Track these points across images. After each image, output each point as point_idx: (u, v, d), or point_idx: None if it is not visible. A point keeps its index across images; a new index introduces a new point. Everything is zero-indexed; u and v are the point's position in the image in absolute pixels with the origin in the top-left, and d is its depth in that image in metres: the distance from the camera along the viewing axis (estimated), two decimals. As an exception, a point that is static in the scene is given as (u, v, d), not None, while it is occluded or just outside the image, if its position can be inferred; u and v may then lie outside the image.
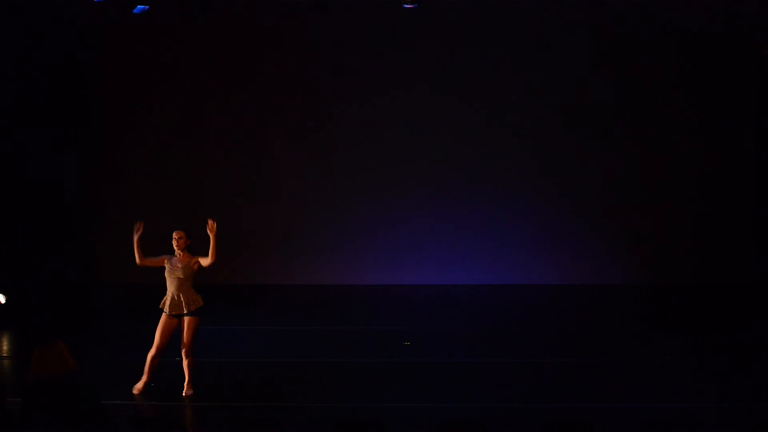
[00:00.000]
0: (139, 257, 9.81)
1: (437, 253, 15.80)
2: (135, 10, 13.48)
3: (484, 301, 14.71)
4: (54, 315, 13.67)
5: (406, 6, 13.18)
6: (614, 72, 15.61)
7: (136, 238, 9.74)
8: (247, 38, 15.73)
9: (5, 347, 12.75)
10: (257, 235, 15.89)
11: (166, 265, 9.82)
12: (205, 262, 9.77)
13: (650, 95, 15.60)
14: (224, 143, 15.93)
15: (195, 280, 9.88)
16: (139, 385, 9.94)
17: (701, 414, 9.23)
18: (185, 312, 9.77)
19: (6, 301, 13.98)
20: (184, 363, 9.89)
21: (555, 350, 11.71)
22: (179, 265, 9.77)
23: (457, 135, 15.75)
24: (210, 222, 9.72)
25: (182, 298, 9.77)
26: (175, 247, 9.81)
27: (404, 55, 15.65)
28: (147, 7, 13.47)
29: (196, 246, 9.97)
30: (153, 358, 9.90)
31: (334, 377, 10.67)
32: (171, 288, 9.79)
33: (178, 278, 9.74)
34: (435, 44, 15.62)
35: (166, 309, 9.80)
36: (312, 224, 15.90)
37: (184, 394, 9.85)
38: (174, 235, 9.83)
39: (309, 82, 15.80)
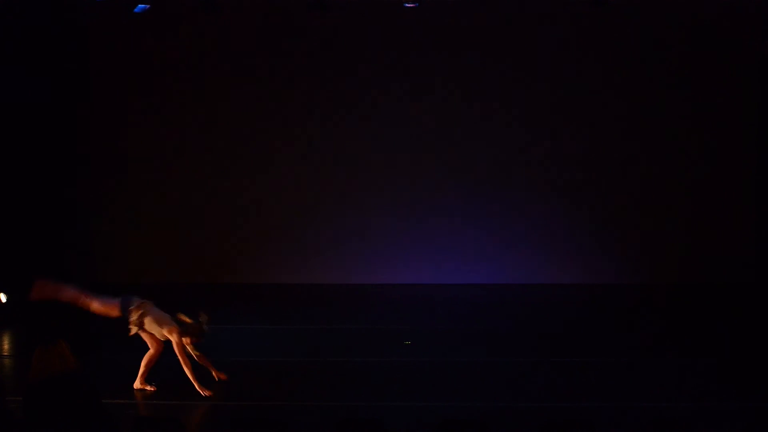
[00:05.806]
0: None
1: (437, 253, 15.79)
2: (136, 9, 13.50)
3: (484, 300, 14.70)
4: (54, 315, 13.64)
5: (407, 5, 13.18)
6: (614, 72, 15.60)
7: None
8: (247, 38, 15.73)
9: (5, 347, 12.75)
10: (257, 234, 15.89)
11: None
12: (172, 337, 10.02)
13: (650, 95, 15.60)
14: (224, 142, 15.93)
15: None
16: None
17: (701, 414, 9.24)
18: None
19: (6, 300, 13.97)
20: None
21: (555, 350, 11.71)
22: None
23: (457, 134, 15.75)
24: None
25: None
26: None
27: (404, 54, 15.64)
28: (148, 6, 13.48)
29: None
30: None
31: (334, 377, 10.66)
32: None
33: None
34: (435, 43, 15.61)
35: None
36: (311, 223, 15.90)
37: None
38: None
39: (309, 81, 15.80)
